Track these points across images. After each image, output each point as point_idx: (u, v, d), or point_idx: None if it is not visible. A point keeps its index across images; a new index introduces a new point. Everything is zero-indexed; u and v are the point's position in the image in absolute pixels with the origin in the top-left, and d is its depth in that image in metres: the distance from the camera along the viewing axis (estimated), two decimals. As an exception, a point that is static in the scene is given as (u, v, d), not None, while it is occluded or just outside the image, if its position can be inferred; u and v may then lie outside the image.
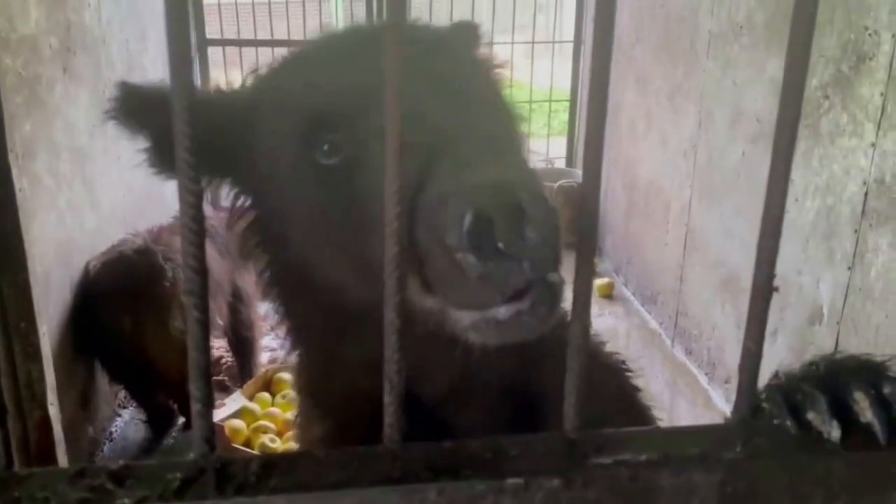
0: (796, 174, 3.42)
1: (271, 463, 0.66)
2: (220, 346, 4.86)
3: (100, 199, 4.28)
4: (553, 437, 0.69)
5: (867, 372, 0.76)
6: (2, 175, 3.00)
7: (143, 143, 1.29)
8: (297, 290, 1.34)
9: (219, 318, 4.66)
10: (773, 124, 0.69)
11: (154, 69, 5.36)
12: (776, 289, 0.69)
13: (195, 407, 0.66)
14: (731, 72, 4.16)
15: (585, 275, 0.70)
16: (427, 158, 0.96)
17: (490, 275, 0.88)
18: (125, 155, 4.77)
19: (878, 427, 0.69)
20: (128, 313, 3.92)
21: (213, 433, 0.67)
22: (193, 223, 0.62)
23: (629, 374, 1.57)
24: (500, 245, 0.85)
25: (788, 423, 0.71)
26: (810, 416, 0.70)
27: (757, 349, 0.70)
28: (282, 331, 1.45)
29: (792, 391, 0.74)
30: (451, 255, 0.88)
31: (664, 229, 5.28)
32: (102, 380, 4.30)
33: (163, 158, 1.29)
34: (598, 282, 6.25)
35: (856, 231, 3.05)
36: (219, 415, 4.09)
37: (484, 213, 0.85)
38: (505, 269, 0.87)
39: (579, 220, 0.68)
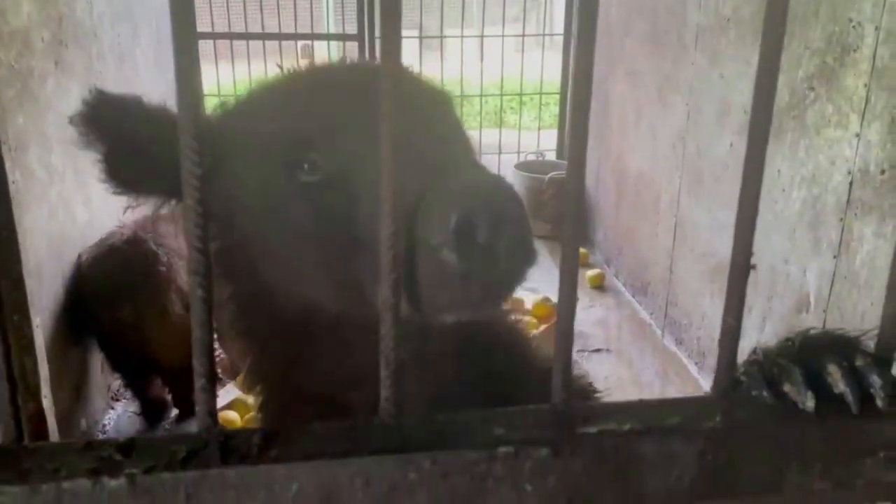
0: (783, 165, 3.46)
1: (272, 435, 0.69)
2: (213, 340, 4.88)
3: (91, 193, 4.28)
4: (542, 409, 0.73)
5: (840, 346, 0.79)
6: (-5, 168, 3.01)
7: (98, 153, 1.29)
8: (264, 318, 1.35)
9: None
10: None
11: (145, 63, 5.37)
12: (753, 266, 0.72)
13: (199, 382, 0.69)
14: (719, 65, 4.20)
15: (571, 258, 0.73)
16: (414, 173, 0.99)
17: (471, 271, 0.93)
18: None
19: (850, 397, 0.72)
20: (127, 303, 3.91)
21: (215, 408, 0.69)
22: (198, 205, 0.65)
23: (597, 395, 1.62)
24: (481, 241, 0.91)
25: (765, 394, 0.74)
26: (786, 387, 0.74)
27: (736, 325, 0.74)
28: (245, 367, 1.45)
29: (769, 365, 0.77)
30: (435, 254, 0.93)
31: (654, 221, 5.32)
32: (95, 372, 4.32)
33: (118, 173, 1.29)
34: (589, 273, 6.29)
35: (841, 220, 3.10)
36: (212, 407, 4.10)
37: (467, 213, 0.90)
38: (485, 265, 0.93)
39: (565, 202, 0.71)
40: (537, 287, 5.76)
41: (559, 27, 8.22)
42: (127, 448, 0.67)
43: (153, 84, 5.52)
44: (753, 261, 0.74)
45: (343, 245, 1.12)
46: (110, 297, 3.92)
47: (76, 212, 4.13)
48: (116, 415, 4.58)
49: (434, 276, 0.96)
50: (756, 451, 0.71)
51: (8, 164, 3.06)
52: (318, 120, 1.19)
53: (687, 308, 4.80)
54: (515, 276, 0.99)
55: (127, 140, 1.28)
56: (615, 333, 5.64)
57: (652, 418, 0.71)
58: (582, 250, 6.65)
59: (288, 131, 1.21)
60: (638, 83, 5.64)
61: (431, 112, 1.26)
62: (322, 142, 1.17)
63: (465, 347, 1.28)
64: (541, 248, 6.24)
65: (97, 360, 4.27)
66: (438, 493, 0.68)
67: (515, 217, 0.93)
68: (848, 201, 3.06)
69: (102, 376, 4.41)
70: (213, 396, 0.69)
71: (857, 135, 2.99)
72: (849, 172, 3.05)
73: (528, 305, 5.51)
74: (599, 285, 6.28)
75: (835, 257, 3.13)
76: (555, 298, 0.92)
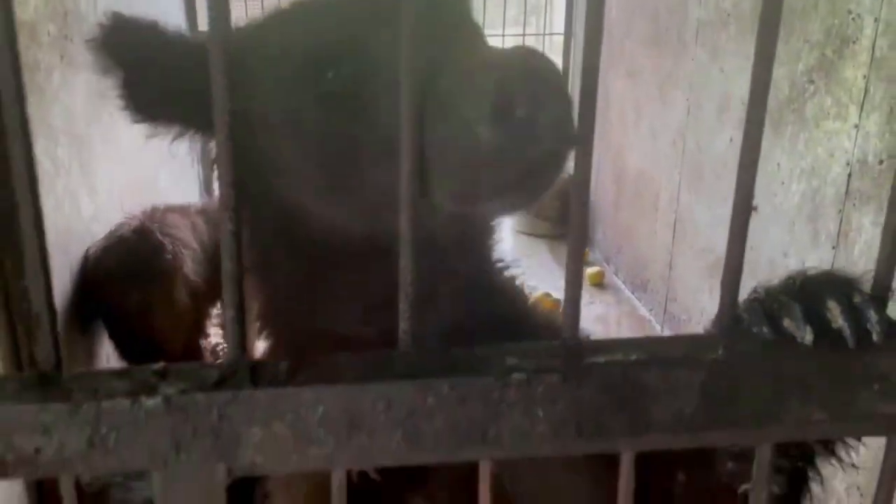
0: (782, 158, 3.50)
1: (298, 364, 0.73)
2: (216, 333, 4.93)
3: (97, 187, 4.32)
4: (553, 343, 0.76)
5: (839, 285, 0.83)
6: (4, 169, 3.06)
7: (116, 79, 1.26)
8: (279, 245, 1.32)
9: (217, 308, 4.77)
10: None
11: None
12: (755, 208, 0.76)
13: (228, 314, 0.72)
14: (720, 59, 4.24)
15: (580, 203, 0.77)
16: (433, 72, 0.95)
17: (510, 148, 0.89)
18: (123, 143, 4.83)
19: (847, 332, 0.76)
20: (134, 290, 3.98)
21: (245, 338, 0.73)
22: (227, 141, 0.69)
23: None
24: (521, 115, 0.86)
25: (765, 329, 0.78)
26: (786, 322, 0.77)
27: (738, 265, 0.77)
28: (259, 309, 1.41)
29: (769, 302, 0.81)
30: (469, 132, 0.89)
31: (654, 218, 5.36)
32: (101, 363, 4.36)
33: (136, 100, 1.27)
34: (589, 270, 6.33)
35: (840, 211, 3.13)
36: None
37: (505, 84, 0.86)
38: (525, 141, 0.88)
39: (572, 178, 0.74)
40: (537, 285, 5.80)
41: (559, 28, 8.27)
42: (162, 373, 0.70)
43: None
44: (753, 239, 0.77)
45: (365, 155, 1.10)
46: (118, 286, 3.99)
47: (81, 205, 4.17)
48: (120, 407, 4.61)
49: (468, 157, 0.90)
50: (756, 382, 0.75)
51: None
52: (340, 28, 1.16)
53: (686, 304, 4.83)
54: (558, 156, 0.93)
55: (145, 65, 1.26)
56: (615, 329, 5.68)
57: (657, 351, 0.75)
58: (582, 248, 6.68)
59: (310, 41, 1.18)
60: (638, 80, 5.68)
61: (450, 8, 1.21)
62: (345, 48, 1.14)
63: (471, 293, 1.30)
64: (541, 246, 6.29)
65: (103, 351, 4.31)
66: (455, 417, 0.71)
67: (556, 90, 0.88)
68: (847, 192, 3.10)
69: (108, 367, 4.45)
70: (243, 327, 0.73)
71: (856, 126, 3.03)
72: (847, 164, 3.09)
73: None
74: (599, 283, 6.32)
75: (833, 248, 3.17)
76: (555, 294, 0.92)
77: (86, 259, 4.09)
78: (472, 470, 0.76)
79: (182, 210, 4.40)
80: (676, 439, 0.76)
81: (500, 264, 1.43)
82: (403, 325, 0.75)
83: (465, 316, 1.25)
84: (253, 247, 1.33)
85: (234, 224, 0.71)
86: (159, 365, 0.72)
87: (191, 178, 6.89)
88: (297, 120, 1.20)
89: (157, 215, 4.25)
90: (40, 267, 0.71)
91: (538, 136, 0.88)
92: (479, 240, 1.37)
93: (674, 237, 4.99)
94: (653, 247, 5.41)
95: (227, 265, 0.71)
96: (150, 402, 0.67)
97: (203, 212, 4.59)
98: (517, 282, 1.46)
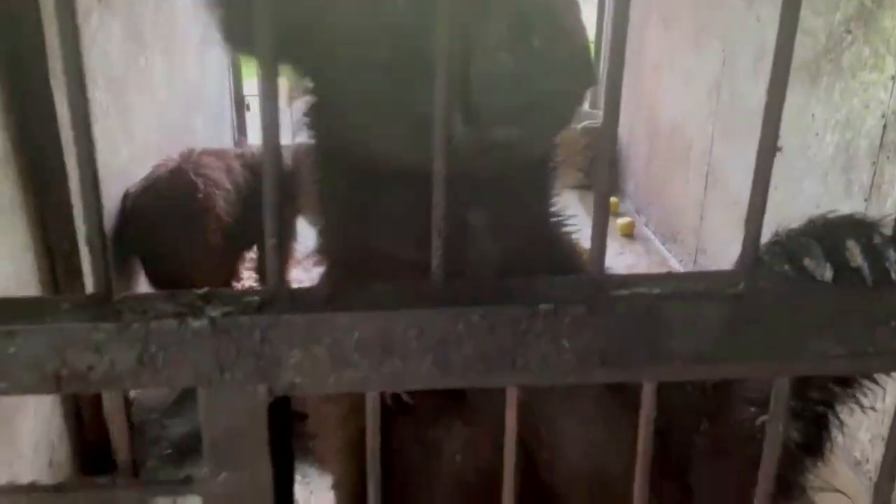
0: (817, 109, 3.47)
1: (336, 291, 0.76)
2: (250, 277, 5.01)
3: (134, 131, 4.39)
4: (580, 277, 0.79)
5: (860, 227, 0.85)
6: (46, 105, 3.13)
7: (214, 11, 1.29)
8: (342, 166, 1.35)
9: (252, 253, 4.87)
10: (797, 60, 0.78)
11: (184, 3, 5.43)
12: (779, 149, 0.78)
13: (269, 242, 0.76)
14: (756, 8, 4.18)
15: (609, 135, 0.79)
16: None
17: (525, 74, 0.95)
18: (159, 88, 4.87)
19: (866, 270, 0.78)
20: (167, 228, 4.10)
21: (285, 266, 0.77)
22: (269, 87, 0.71)
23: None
24: (537, 46, 0.94)
25: (786, 267, 0.80)
26: (806, 261, 0.80)
27: (761, 204, 0.79)
28: (316, 228, 1.42)
29: (790, 243, 0.83)
30: (489, 57, 0.96)
31: (686, 169, 5.34)
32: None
33: (229, 24, 1.29)
34: (620, 221, 6.34)
35: (873, 163, 3.11)
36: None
37: (523, 15, 0.93)
38: (540, 69, 0.96)
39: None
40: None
41: (595, -24, 8.17)
42: (207, 297, 0.74)
43: (191, 26, 5.61)
44: (776, 191, 0.79)
45: (421, 87, 1.09)
46: (152, 223, 4.09)
47: (120, 149, 4.24)
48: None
49: (488, 81, 0.97)
50: (776, 316, 0.77)
51: (57, 97, 3.15)
52: None
53: (716, 255, 4.83)
54: (572, 87, 1.00)
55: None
56: (644, 280, 5.69)
57: (680, 285, 0.78)
58: (612, 199, 6.68)
59: None
60: (673, 30, 5.62)
61: None
62: None
63: (526, 241, 1.32)
64: (571, 196, 6.29)
65: (140, 290, 4.41)
66: (484, 345, 0.75)
67: (573, 25, 0.95)
68: (881, 144, 3.07)
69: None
70: (283, 255, 0.76)
71: (893, 77, 2.99)
72: (882, 115, 3.06)
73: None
74: (629, 233, 6.33)
75: (865, 200, 3.16)
76: (585, 244, 0.94)
77: (125, 198, 4.19)
78: (501, 397, 0.80)
79: (218, 153, 4.51)
80: (697, 370, 0.79)
81: (557, 218, 1.44)
82: (435, 260, 0.78)
83: (519, 262, 1.27)
84: (317, 163, 1.37)
85: (275, 156, 0.74)
86: (203, 290, 0.76)
87: (225, 124, 6.94)
88: (363, 48, 1.21)
89: (192, 157, 4.37)
90: (92, 197, 0.75)
91: (554, 67, 0.94)
92: (534, 190, 1.39)
93: (705, 189, 4.97)
94: (684, 198, 5.39)
95: (268, 196, 0.75)
96: (197, 324, 0.71)
97: (241, 156, 4.66)
98: (573, 238, 1.48)
